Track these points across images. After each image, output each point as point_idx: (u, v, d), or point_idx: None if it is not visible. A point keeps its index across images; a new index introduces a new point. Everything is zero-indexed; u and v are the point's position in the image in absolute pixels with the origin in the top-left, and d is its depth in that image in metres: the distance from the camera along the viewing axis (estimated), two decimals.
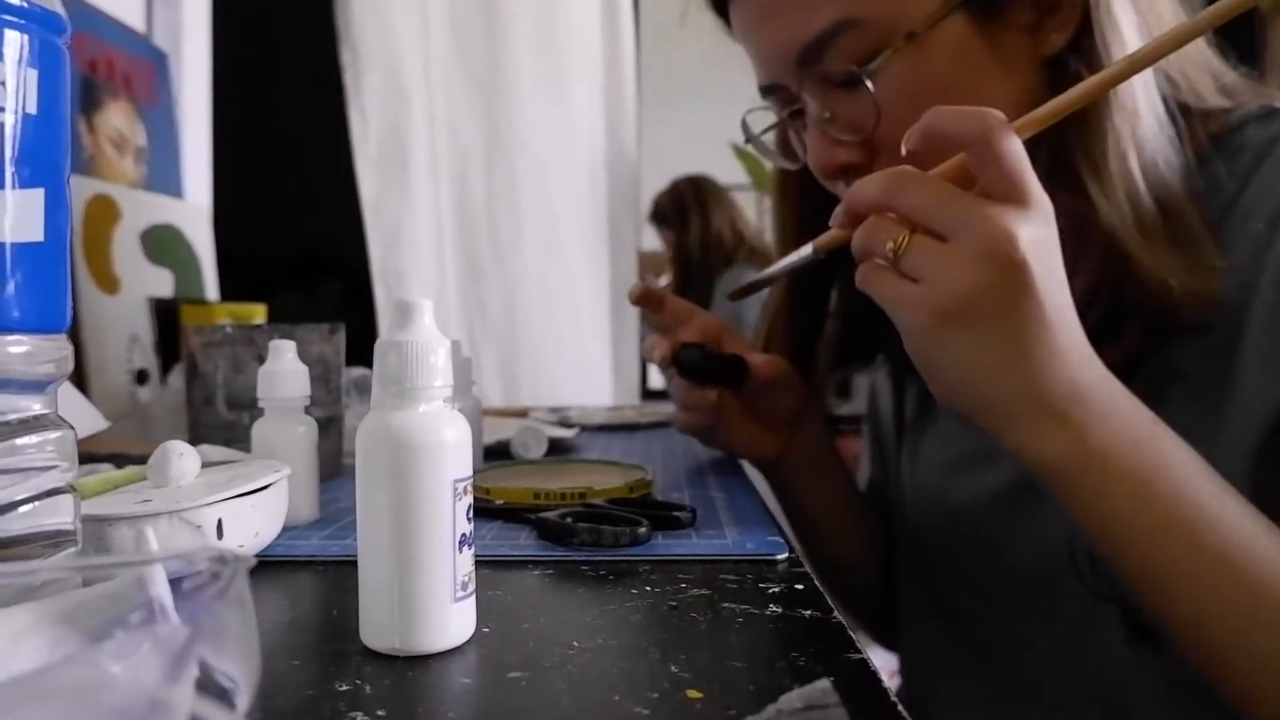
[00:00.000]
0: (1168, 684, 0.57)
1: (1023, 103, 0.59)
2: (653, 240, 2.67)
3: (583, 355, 1.89)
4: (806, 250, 0.57)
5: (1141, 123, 0.57)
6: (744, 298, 0.70)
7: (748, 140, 0.71)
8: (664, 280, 2.79)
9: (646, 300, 0.77)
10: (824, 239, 0.55)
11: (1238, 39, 0.63)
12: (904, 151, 0.50)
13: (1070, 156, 0.57)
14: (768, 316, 0.82)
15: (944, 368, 0.50)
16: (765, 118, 0.70)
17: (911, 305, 0.48)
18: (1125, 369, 0.51)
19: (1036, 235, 0.46)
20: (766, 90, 0.67)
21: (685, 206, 2.64)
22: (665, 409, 1.22)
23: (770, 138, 0.71)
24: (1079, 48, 0.58)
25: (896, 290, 0.49)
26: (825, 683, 0.31)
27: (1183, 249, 0.56)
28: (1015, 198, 0.47)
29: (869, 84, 0.59)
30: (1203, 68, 0.62)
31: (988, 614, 0.70)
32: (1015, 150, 0.47)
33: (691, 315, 0.76)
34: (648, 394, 2.39)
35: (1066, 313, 0.48)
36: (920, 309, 0.48)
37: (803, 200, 0.74)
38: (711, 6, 0.69)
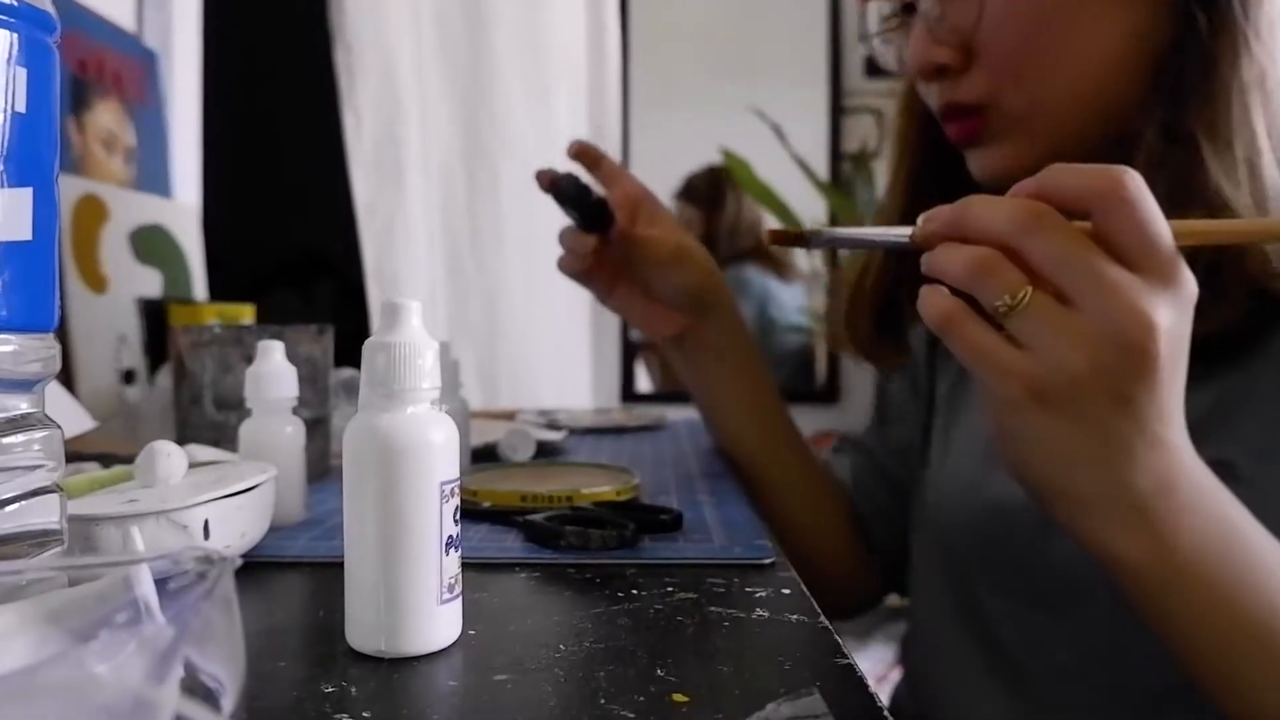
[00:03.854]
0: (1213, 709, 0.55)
1: (1128, 44, 0.57)
2: None
3: (563, 357, 1.89)
4: (904, 235, 0.48)
5: (1272, 90, 0.53)
6: (798, 247, 0.55)
7: (863, 38, 0.69)
8: None
9: (583, 155, 0.78)
10: (927, 234, 0.46)
11: None
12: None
13: (1189, 119, 0.54)
14: (859, 269, 0.76)
15: (1022, 447, 0.45)
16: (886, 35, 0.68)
17: (1008, 375, 0.43)
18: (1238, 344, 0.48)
19: (1176, 322, 0.41)
20: None
21: (722, 188, 2.59)
22: (652, 412, 1.22)
23: (880, 49, 0.69)
24: None
25: (995, 355, 0.43)
26: (815, 694, 0.32)
27: None
28: (1158, 271, 0.41)
29: None
30: None
31: (1014, 614, 0.67)
32: (1154, 213, 0.41)
33: (622, 176, 0.77)
34: (629, 397, 2.40)
35: (1175, 402, 0.43)
36: (1017, 382, 0.42)
37: (925, 155, 0.71)
38: None
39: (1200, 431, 0.46)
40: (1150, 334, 0.40)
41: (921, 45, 0.62)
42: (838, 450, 0.91)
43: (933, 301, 0.45)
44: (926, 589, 0.79)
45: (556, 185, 0.73)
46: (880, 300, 0.73)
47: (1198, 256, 0.48)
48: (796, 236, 0.54)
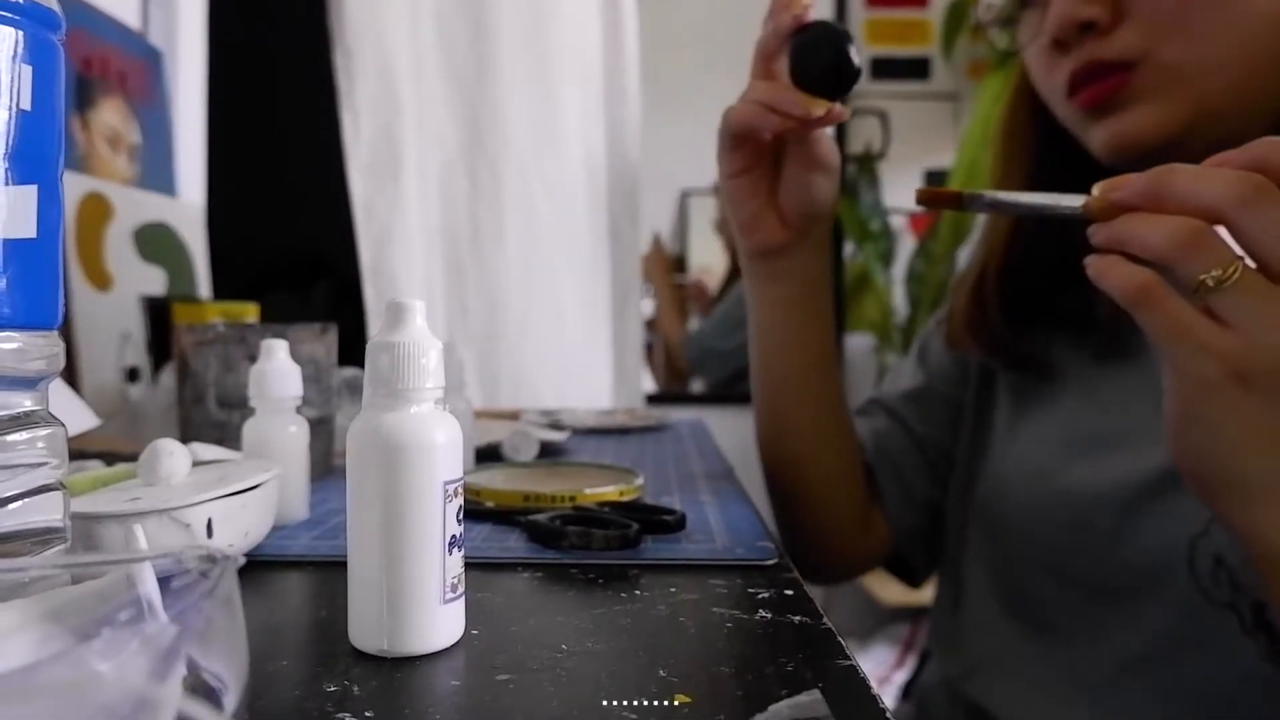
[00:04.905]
0: None
1: None
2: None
3: (570, 359, 1.88)
4: (1075, 203, 0.46)
5: None
6: (951, 209, 0.53)
7: (977, 24, 0.68)
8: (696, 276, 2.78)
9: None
10: (1102, 205, 0.45)
11: None
12: (1110, 201, 0.44)
13: None
14: (978, 265, 0.75)
15: (1206, 429, 0.43)
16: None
17: (1207, 353, 0.41)
18: None
19: None
20: None
21: None
22: (656, 413, 1.22)
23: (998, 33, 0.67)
24: None
25: (1196, 331, 0.41)
26: (817, 695, 0.31)
27: None
28: None
29: None
30: None
31: (1073, 602, 0.66)
32: None
33: None
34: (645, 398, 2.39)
35: None
36: (1217, 360, 0.40)
37: (1035, 139, 0.69)
38: None
39: None
40: None
41: (1067, 2, 0.59)
42: (861, 413, 0.88)
43: (1124, 272, 0.42)
44: (969, 572, 0.77)
45: (806, 30, 0.61)
46: (1010, 289, 0.71)
47: None
48: (951, 198, 0.49)
